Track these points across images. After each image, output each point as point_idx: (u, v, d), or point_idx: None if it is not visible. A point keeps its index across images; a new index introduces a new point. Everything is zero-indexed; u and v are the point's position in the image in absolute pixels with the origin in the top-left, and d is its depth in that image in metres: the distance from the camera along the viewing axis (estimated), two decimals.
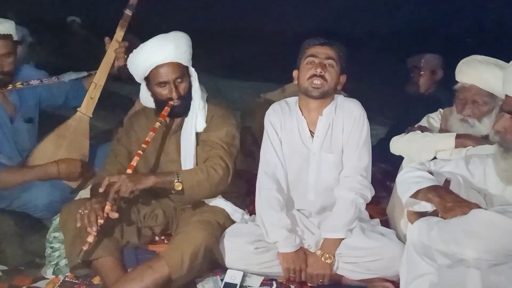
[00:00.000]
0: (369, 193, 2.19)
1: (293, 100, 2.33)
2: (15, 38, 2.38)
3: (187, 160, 2.25)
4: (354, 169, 2.18)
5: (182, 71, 2.22)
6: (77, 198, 2.40)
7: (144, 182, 2.06)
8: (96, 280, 2.09)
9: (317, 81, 2.13)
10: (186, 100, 2.24)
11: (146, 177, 2.09)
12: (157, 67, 2.18)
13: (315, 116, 2.23)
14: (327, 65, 2.14)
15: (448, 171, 1.82)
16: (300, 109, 2.26)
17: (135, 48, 2.23)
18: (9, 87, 2.39)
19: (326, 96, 2.19)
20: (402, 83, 3.49)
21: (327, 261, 2.07)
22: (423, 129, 2.32)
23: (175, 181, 2.10)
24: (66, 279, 2.10)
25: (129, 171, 2.08)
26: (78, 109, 2.53)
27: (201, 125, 2.28)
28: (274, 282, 2.12)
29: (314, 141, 2.22)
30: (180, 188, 2.11)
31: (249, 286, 2.08)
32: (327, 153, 2.21)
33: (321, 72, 2.12)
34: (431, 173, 1.83)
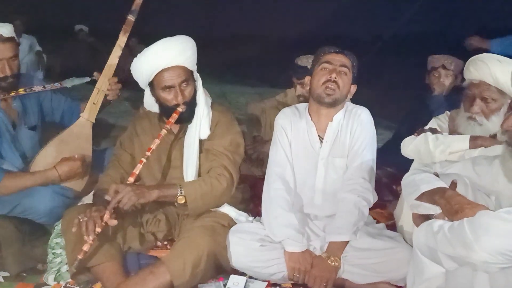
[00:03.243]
0: (371, 196, 2.16)
1: (303, 106, 2.35)
2: (17, 40, 2.39)
3: (189, 168, 2.22)
4: (357, 171, 2.17)
5: (187, 75, 2.19)
6: (80, 204, 2.38)
7: (147, 196, 2.05)
8: (98, 286, 2.07)
9: (331, 86, 2.15)
10: (191, 106, 2.21)
11: (149, 191, 2.07)
12: (162, 71, 2.14)
13: (325, 122, 2.24)
14: (341, 72, 2.17)
15: (455, 172, 1.79)
16: (310, 115, 2.27)
17: (139, 53, 2.20)
18: (12, 94, 2.38)
19: (337, 103, 2.21)
20: (407, 86, 3.45)
21: (333, 263, 2.03)
22: (433, 131, 2.28)
23: (178, 194, 2.09)
24: (68, 285, 2.08)
25: (131, 179, 2.06)
26: (81, 114, 2.52)
27: (205, 133, 2.25)
28: None
29: (322, 147, 2.22)
30: (183, 201, 2.10)
31: None
32: (334, 158, 2.21)
33: (335, 78, 2.15)
34: (437, 175, 1.80)
